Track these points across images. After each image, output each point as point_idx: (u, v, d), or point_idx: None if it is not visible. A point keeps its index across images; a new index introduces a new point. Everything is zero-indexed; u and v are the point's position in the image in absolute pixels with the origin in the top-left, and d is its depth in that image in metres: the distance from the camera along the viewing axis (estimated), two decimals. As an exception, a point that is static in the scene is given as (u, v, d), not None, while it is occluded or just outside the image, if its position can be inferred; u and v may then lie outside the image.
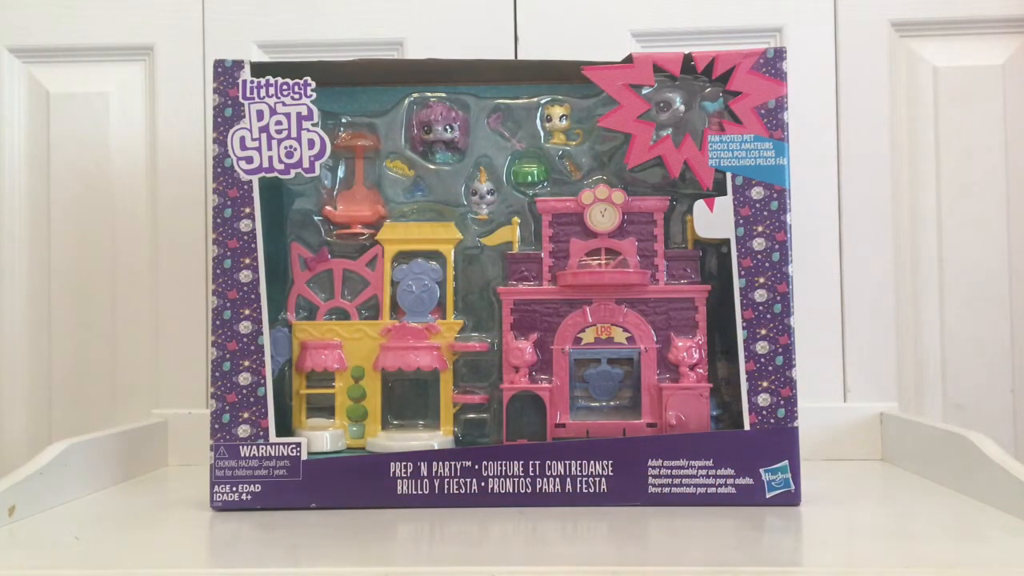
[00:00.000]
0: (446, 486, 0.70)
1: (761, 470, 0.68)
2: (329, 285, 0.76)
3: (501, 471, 0.70)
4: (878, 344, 0.93)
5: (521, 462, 0.70)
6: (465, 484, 0.70)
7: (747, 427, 0.69)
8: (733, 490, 0.68)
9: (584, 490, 0.69)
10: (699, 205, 0.71)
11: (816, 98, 0.93)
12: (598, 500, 0.69)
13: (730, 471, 0.69)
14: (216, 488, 0.70)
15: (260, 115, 0.72)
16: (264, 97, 0.72)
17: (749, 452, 0.69)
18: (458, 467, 0.70)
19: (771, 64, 0.71)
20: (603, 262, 0.74)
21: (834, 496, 0.72)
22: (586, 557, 0.57)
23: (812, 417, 0.86)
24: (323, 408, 0.75)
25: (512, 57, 0.93)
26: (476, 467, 0.70)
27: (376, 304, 0.76)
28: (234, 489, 0.70)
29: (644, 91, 0.72)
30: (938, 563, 0.53)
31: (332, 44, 0.97)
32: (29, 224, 0.98)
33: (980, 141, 0.94)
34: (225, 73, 0.73)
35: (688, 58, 0.71)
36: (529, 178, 0.76)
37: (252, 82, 0.72)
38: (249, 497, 0.70)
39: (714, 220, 0.71)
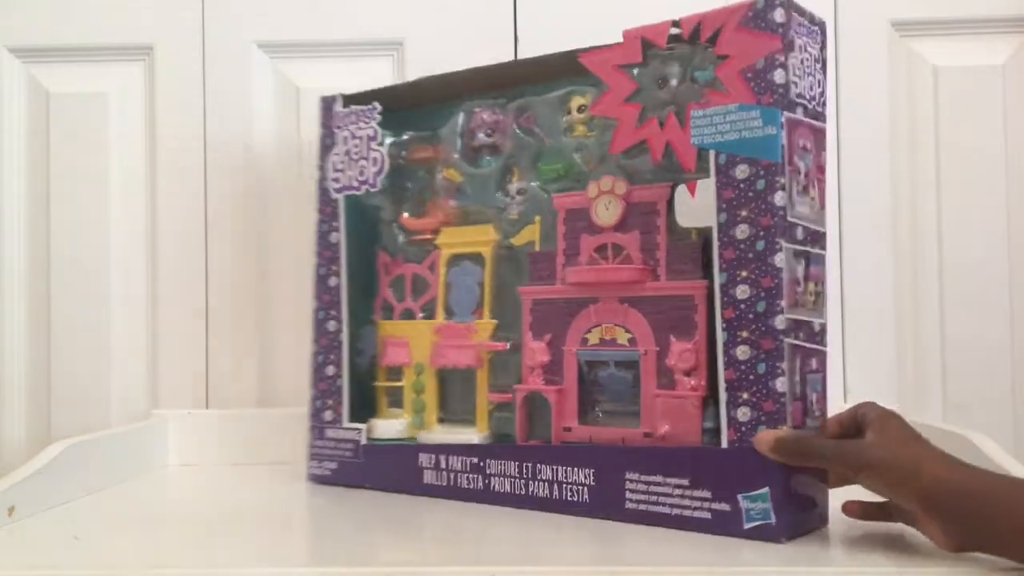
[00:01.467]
0: (459, 480, 0.72)
1: (739, 496, 0.60)
2: (406, 287, 0.82)
3: (501, 471, 0.70)
4: (878, 344, 0.93)
5: (516, 463, 0.70)
6: (473, 480, 0.72)
7: (725, 444, 0.60)
8: (708, 515, 0.61)
9: (568, 498, 0.67)
10: (680, 190, 0.64)
11: (816, 98, 0.93)
12: (580, 510, 0.66)
13: (706, 494, 0.61)
14: (310, 462, 0.81)
15: (343, 140, 0.82)
16: (348, 124, 0.81)
17: (727, 474, 0.60)
18: (468, 463, 0.72)
19: (761, 16, 0.60)
20: (610, 258, 0.69)
21: (834, 496, 0.72)
22: (586, 557, 0.57)
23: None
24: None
25: (512, 57, 0.94)
26: (481, 464, 0.71)
27: (434, 304, 0.79)
28: (319, 465, 0.81)
29: (639, 70, 0.67)
30: (938, 563, 0.53)
31: (332, 44, 0.97)
32: (29, 224, 0.98)
33: (980, 141, 0.94)
34: (327, 107, 0.83)
35: (676, 25, 0.65)
36: (554, 175, 0.73)
37: (341, 112, 0.82)
38: (328, 472, 0.80)
39: (696, 206, 0.63)
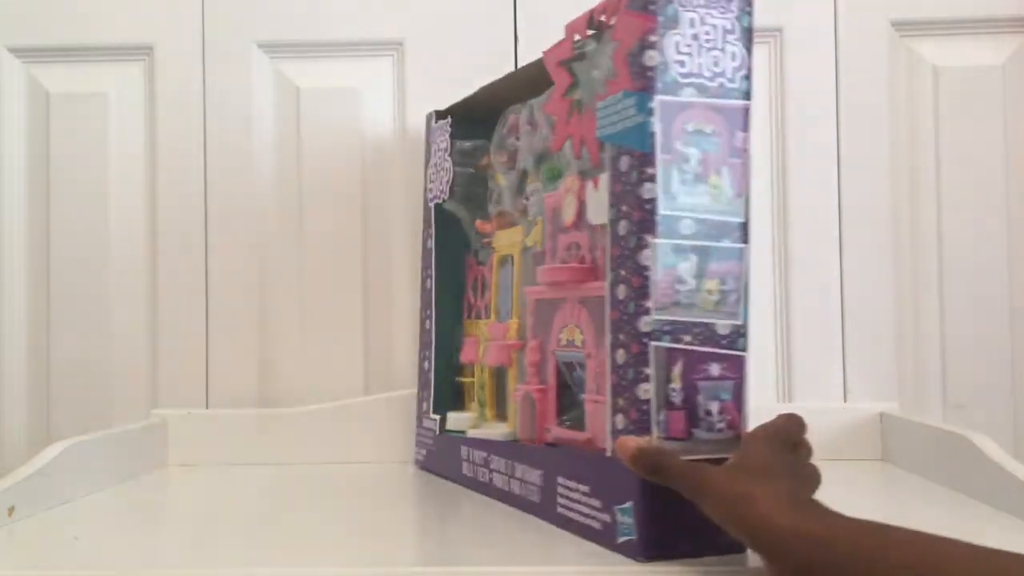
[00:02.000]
0: (479, 473, 0.75)
1: (615, 508, 0.56)
2: (478, 289, 0.85)
3: (498, 467, 0.72)
4: (878, 344, 0.93)
5: (505, 461, 0.71)
6: (484, 473, 0.74)
7: (609, 453, 0.56)
8: (600, 525, 0.57)
9: (529, 498, 0.66)
10: (589, 186, 0.62)
11: (816, 98, 0.93)
12: (534, 510, 0.66)
13: (598, 503, 0.58)
14: (414, 448, 0.89)
15: (433, 153, 0.87)
16: (436, 138, 0.87)
17: (608, 484, 0.56)
18: (481, 458, 0.75)
19: None
20: (573, 257, 0.67)
21: (834, 497, 0.72)
22: (586, 556, 0.57)
23: (812, 417, 0.85)
24: None
25: (512, 57, 0.94)
26: (488, 459, 0.73)
27: (491, 304, 0.81)
28: (419, 451, 0.88)
29: (575, 64, 0.63)
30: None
31: (332, 44, 0.97)
32: (29, 224, 0.98)
33: (980, 141, 0.94)
34: (428, 123, 0.89)
35: (591, 14, 0.62)
36: (550, 175, 0.72)
37: (435, 127, 0.87)
38: (421, 458, 0.87)
39: (599, 202, 0.60)
